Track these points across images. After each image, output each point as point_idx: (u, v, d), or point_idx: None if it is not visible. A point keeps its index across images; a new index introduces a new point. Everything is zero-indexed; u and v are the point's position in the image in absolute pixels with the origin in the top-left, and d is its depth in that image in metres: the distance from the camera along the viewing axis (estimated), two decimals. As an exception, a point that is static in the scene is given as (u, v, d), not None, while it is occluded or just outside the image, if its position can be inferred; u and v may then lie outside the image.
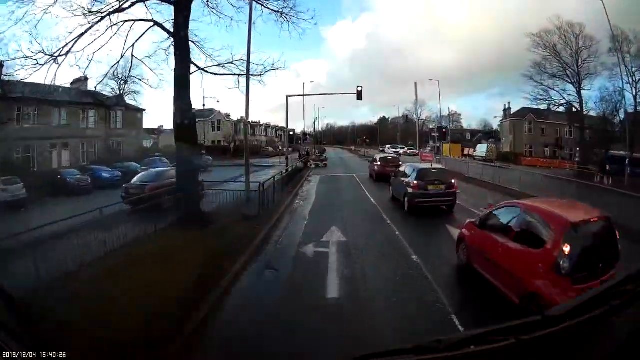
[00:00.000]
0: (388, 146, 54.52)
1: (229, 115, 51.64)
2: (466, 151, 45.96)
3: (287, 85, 64.13)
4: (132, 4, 10.01)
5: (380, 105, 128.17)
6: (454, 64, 78.50)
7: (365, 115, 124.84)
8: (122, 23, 10.51)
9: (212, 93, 68.81)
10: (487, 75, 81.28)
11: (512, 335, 1.05)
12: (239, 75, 11.05)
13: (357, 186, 18.76)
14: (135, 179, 14.12)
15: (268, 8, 11.95)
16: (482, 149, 43.78)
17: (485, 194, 14.99)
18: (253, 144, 59.63)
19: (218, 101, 54.17)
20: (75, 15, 10.47)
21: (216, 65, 10.37)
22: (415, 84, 44.08)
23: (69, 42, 10.62)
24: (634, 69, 29.97)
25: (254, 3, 11.78)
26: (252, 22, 11.43)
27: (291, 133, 34.07)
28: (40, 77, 11.04)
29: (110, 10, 10.25)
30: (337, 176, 24.33)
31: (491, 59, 77.75)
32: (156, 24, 9.90)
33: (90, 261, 5.99)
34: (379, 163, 21.03)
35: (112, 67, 11.14)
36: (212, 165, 32.71)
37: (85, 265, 5.75)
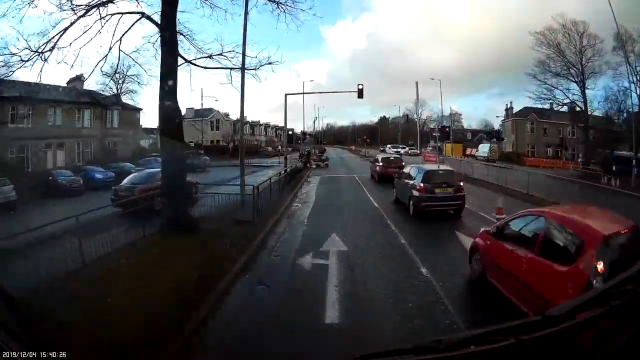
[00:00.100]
0: (389, 146, 54.02)
1: (228, 115, 51.09)
2: (468, 151, 45.34)
3: (287, 85, 63.95)
4: (120, -5, 9.45)
5: (380, 105, 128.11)
6: (454, 64, 78.29)
7: (365, 115, 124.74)
8: (109, 16, 9.96)
9: (210, 92, 68.42)
10: (487, 75, 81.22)
11: (512, 335, 1.04)
12: (231, 69, 10.27)
13: (358, 188, 18.12)
14: (125, 181, 13.50)
15: (264, -3, 11.22)
16: (484, 148, 43.32)
17: (493, 196, 14.30)
18: (252, 144, 59.34)
19: (216, 100, 53.68)
20: (62, 10, 9.90)
21: (206, 57, 9.62)
22: (417, 83, 43.69)
23: (54, 37, 10.07)
24: (638, 68, 29.41)
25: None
26: (247, 12, 10.78)
27: (290, 132, 33.44)
28: (29, 75, 10.49)
29: (97, 2, 9.66)
30: (337, 177, 23.72)
31: (491, 58, 77.60)
32: (144, 15, 9.31)
33: (53, 279, 5.29)
34: (380, 163, 20.39)
35: (99, 62, 10.49)
36: (210, 166, 32.21)
37: (47, 284, 5.05)
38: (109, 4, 9.80)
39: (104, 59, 10.44)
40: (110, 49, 10.14)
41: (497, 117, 51.91)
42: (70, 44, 10.19)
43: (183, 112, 42.84)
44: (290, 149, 38.54)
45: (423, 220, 10.33)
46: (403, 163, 19.62)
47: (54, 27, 9.93)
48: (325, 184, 20.03)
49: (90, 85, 27.49)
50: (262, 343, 4.10)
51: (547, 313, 1.08)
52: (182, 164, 8.36)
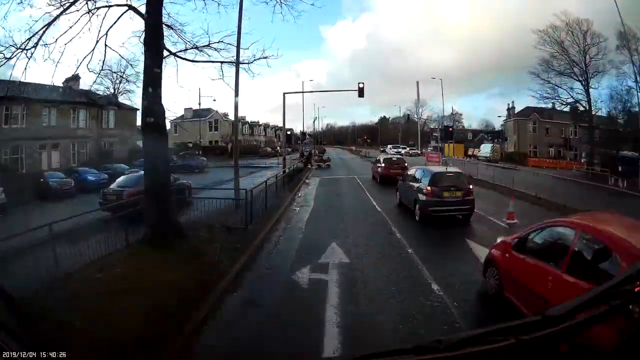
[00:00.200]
0: (389, 146, 53.48)
1: (227, 115, 50.41)
2: (470, 151, 44.73)
3: (287, 86, 63.41)
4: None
5: (380, 105, 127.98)
6: (454, 64, 78.09)
7: (365, 115, 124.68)
8: (96, 9, 9.37)
9: (210, 92, 67.93)
10: (487, 75, 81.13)
11: (512, 335, 1.03)
12: (222, 62, 9.48)
13: (359, 190, 17.45)
14: (114, 183, 12.85)
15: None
16: (486, 149, 42.83)
17: (501, 198, 13.69)
18: (252, 144, 58.85)
19: (214, 100, 52.80)
20: (50, 4, 9.33)
21: (192, 48, 8.89)
22: (417, 82, 43.28)
23: (39, 31, 9.50)
24: (642, 67, 28.87)
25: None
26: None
27: (288, 132, 32.81)
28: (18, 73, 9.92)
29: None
30: (337, 178, 23.07)
31: (491, 58, 77.43)
32: (130, 7, 8.73)
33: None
34: (382, 164, 19.68)
35: (85, 57, 9.87)
36: (207, 166, 31.66)
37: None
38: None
39: (91, 53, 9.85)
40: (96, 42, 9.56)
41: (499, 117, 51.51)
42: (56, 39, 9.65)
43: (181, 112, 42.45)
44: (289, 149, 37.91)
45: (430, 226, 9.62)
46: (406, 164, 18.99)
47: (37, 21, 9.39)
48: (325, 186, 19.39)
49: (86, 85, 26.84)
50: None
51: (547, 313, 1.08)
52: (165, 164, 7.63)
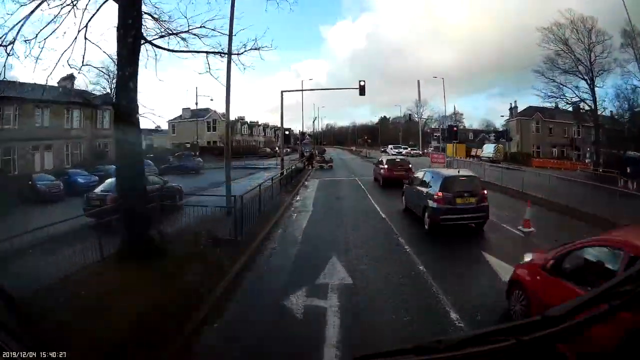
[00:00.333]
0: (390, 146, 52.65)
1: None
2: (472, 152, 43.88)
3: (287, 86, 62.69)
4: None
5: (381, 105, 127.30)
6: (454, 64, 77.49)
7: (365, 115, 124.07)
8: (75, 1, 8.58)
9: (209, 92, 67.23)
10: (487, 75, 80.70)
11: (512, 335, 1.02)
12: (207, 52, 8.30)
13: (361, 193, 16.56)
14: (99, 187, 12.04)
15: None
16: (488, 149, 42.09)
17: (512, 202, 12.84)
18: (250, 145, 58.06)
19: (212, 99, 51.99)
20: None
21: (170, 35, 7.85)
22: (418, 82, 42.50)
23: (16, 25, 8.73)
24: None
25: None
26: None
27: (287, 132, 32.00)
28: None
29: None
30: (338, 180, 22.26)
31: (491, 58, 76.94)
32: (110, -4, 7.88)
33: None
34: (385, 166, 18.63)
35: (64, 52, 9.07)
36: (203, 167, 30.87)
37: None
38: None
39: (71, 47, 9.05)
40: (76, 35, 8.76)
41: (502, 116, 50.77)
42: (37, 35, 8.90)
43: (179, 112, 41.60)
44: (288, 149, 37.10)
45: (441, 236, 8.77)
46: (410, 165, 18.15)
47: (11, 15, 8.63)
48: (325, 189, 18.55)
49: (82, 85, 26.12)
50: None
51: (547, 313, 1.06)
52: (138, 165, 6.65)
